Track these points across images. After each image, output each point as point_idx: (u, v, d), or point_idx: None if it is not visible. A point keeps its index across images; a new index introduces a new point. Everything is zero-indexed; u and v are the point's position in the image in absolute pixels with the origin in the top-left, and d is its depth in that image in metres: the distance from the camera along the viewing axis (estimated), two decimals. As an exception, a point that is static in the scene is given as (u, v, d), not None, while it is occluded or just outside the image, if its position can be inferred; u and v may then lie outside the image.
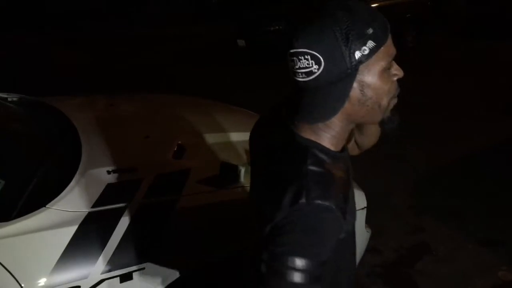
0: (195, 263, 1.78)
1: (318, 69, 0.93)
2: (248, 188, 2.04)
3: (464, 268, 3.04)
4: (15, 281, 1.50)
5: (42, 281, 1.53)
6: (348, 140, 1.20)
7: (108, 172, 1.87)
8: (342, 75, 0.93)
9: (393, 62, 1.01)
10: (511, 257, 3.13)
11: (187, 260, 1.77)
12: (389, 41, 0.98)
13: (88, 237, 1.63)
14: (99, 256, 1.62)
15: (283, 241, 0.93)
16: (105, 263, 1.62)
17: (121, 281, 1.66)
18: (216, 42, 10.51)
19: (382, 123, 1.13)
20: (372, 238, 2.45)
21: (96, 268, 1.61)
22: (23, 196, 1.67)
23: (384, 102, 1.00)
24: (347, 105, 0.98)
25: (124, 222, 1.68)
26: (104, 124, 2.36)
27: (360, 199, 2.27)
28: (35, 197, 1.67)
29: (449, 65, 8.61)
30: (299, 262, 0.91)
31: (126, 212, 1.71)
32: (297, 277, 0.91)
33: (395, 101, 1.04)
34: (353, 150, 1.35)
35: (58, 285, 1.55)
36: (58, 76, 7.09)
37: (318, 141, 1.02)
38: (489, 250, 3.21)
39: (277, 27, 9.47)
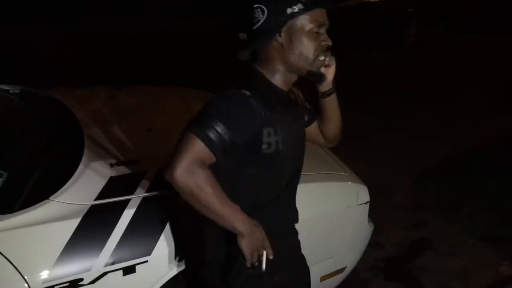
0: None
1: (263, 17, 1.35)
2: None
3: (465, 264, 3.05)
4: (18, 273, 1.49)
5: (45, 274, 1.53)
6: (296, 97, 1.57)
7: (111, 165, 1.86)
8: (277, 24, 1.33)
9: (324, 32, 1.37)
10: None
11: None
12: (319, 12, 1.34)
13: (91, 230, 1.62)
14: (102, 249, 1.61)
15: (203, 109, 1.34)
16: (108, 256, 1.62)
17: (124, 274, 1.65)
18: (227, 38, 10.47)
19: (309, 74, 1.42)
20: (374, 233, 2.45)
21: (99, 260, 1.60)
22: (25, 188, 1.66)
23: (309, 55, 1.36)
24: (281, 49, 1.37)
25: (127, 215, 1.68)
26: (107, 117, 2.35)
27: (363, 194, 2.27)
28: (37, 189, 1.66)
29: (449, 61, 8.59)
30: (207, 120, 1.27)
31: (129, 205, 1.70)
32: (211, 134, 1.25)
33: (322, 61, 1.40)
34: (317, 137, 1.71)
35: (61, 278, 1.54)
36: (60, 71, 7.07)
37: (266, 75, 1.42)
38: (490, 246, 3.22)
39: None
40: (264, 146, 1.35)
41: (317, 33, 1.35)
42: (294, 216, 1.62)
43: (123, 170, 1.87)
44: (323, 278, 2.23)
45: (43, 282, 1.52)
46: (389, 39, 10.02)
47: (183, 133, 1.28)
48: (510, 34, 9.81)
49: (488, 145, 4.91)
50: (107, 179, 1.80)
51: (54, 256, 1.55)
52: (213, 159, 1.28)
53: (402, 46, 9.96)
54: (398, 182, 4.07)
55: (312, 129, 1.69)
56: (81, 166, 1.80)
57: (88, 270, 1.59)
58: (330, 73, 1.50)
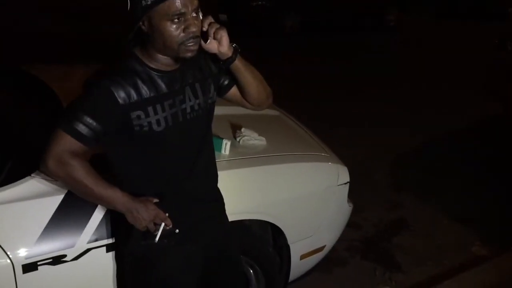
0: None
1: (128, 8, 1.38)
2: (233, 161, 2.06)
3: (440, 243, 3.15)
4: (1, 249, 1.49)
5: (28, 249, 1.53)
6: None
7: (94, 143, 1.85)
8: (137, 15, 1.36)
9: (188, 20, 1.36)
10: (484, 233, 3.25)
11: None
12: (171, 2, 1.33)
13: (74, 207, 1.62)
14: (85, 226, 1.62)
15: (70, 104, 1.45)
16: (92, 233, 1.63)
17: (107, 251, 1.67)
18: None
19: (177, 58, 1.44)
20: (352, 213, 2.50)
21: (82, 237, 1.61)
22: (7, 165, 1.65)
23: (172, 45, 1.38)
24: (148, 38, 1.40)
25: (110, 192, 1.68)
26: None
27: (343, 174, 2.31)
28: (19, 166, 1.65)
29: (428, 45, 8.69)
30: (73, 114, 1.37)
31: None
32: (78, 127, 1.36)
33: (189, 47, 1.39)
34: (242, 101, 1.69)
35: (44, 254, 1.55)
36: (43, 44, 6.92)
37: (141, 58, 1.45)
38: (464, 227, 3.32)
39: (259, 2, 9.37)
40: (136, 128, 1.42)
41: (177, 21, 1.35)
42: (208, 187, 1.68)
43: (105, 148, 1.86)
44: (303, 257, 2.28)
45: (26, 258, 1.52)
46: (370, 23, 10.10)
47: (53, 128, 1.38)
48: (491, 20, 9.96)
49: (468, 131, 5.03)
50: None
51: (37, 232, 1.55)
52: (85, 148, 1.40)
53: (383, 30, 10.04)
54: (378, 165, 4.15)
55: (235, 93, 1.68)
56: (63, 143, 1.78)
57: (71, 246, 1.59)
58: (222, 44, 1.47)
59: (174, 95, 1.48)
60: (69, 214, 1.61)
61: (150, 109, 1.43)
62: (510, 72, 4.68)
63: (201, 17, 1.42)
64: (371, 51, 8.27)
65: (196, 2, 1.38)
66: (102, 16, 9.13)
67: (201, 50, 1.47)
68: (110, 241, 1.66)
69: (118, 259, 1.69)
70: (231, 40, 1.50)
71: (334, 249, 2.57)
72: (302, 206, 2.19)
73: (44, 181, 1.62)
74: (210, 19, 1.46)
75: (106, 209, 1.65)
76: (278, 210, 1.98)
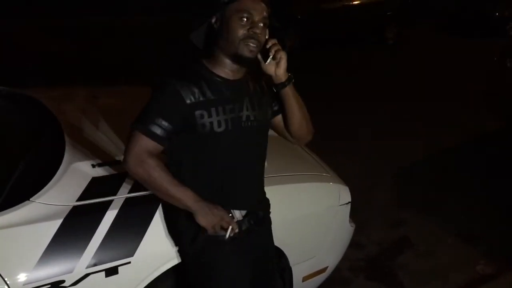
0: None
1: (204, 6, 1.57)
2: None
3: (444, 262, 3.11)
4: (-2, 275, 1.47)
5: (26, 275, 1.51)
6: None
7: (93, 166, 1.84)
8: (212, 11, 1.54)
9: (254, 23, 1.51)
10: (488, 251, 3.21)
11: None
12: (243, 2, 1.50)
13: (73, 231, 1.60)
14: (84, 250, 1.60)
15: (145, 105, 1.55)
16: (90, 257, 1.60)
17: (107, 275, 1.64)
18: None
19: (236, 56, 1.55)
20: (355, 232, 2.48)
21: (81, 262, 1.59)
22: (6, 189, 1.63)
23: (232, 37, 1.51)
24: (216, 35, 1.57)
25: (109, 216, 1.66)
26: (88, 117, 2.33)
27: (344, 194, 2.29)
28: (18, 190, 1.64)
29: (427, 61, 8.73)
30: (147, 116, 1.51)
31: (111, 206, 1.69)
32: (151, 127, 1.49)
33: (248, 45, 1.51)
34: (284, 132, 1.80)
35: (42, 280, 1.53)
36: (39, 66, 6.95)
37: (207, 65, 1.60)
38: (468, 245, 3.29)
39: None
40: (199, 127, 1.53)
41: (246, 21, 1.50)
42: (253, 200, 1.73)
43: (105, 170, 1.85)
44: (305, 278, 2.25)
45: (24, 284, 1.50)
46: (371, 40, 10.19)
47: (130, 129, 1.53)
48: (488, 36, 10.02)
49: (468, 145, 5.01)
50: (89, 179, 1.78)
51: (35, 257, 1.53)
52: (160, 147, 1.53)
53: (384, 46, 10.13)
54: (379, 183, 4.12)
55: (279, 122, 1.80)
56: (62, 167, 1.78)
57: (70, 271, 1.57)
58: (280, 66, 1.60)
59: (234, 101, 1.59)
60: (68, 238, 1.59)
61: (213, 110, 1.54)
62: (510, 89, 4.68)
63: (267, 35, 1.57)
64: (371, 67, 8.31)
65: (265, 14, 1.53)
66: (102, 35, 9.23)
67: (260, 71, 1.62)
68: (109, 265, 1.64)
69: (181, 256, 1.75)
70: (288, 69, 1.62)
71: (337, 269, 2.53)
72: (304, 228, 2.17)
73: (42, 205, 1.61)
74: (274, 40, 1.59)
75: (105, 233, 1.63)
76: (278, 232, 1.95)
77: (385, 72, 7.98)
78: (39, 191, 1.65)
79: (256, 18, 1.51)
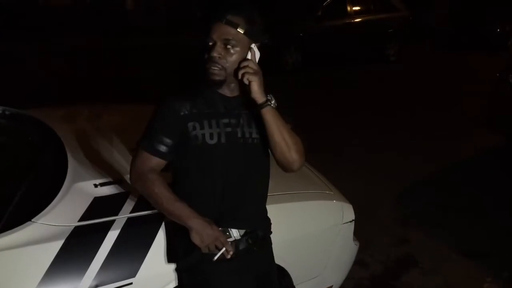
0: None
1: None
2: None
3: (450, 280, 3.07)
4: (-1, 297, 1.46)
5: (27, 298, 1.49)
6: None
7: (95, 185, 1.84)
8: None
9: (214, 47, 1.52)
10: (495, 268, 3.17)
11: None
12: (214, 26, 1.53)
13: (74, 252, 1.60)
14: (86, 271, 1.59)
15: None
16: (92, 279, 1.59)
17: (109, 297, 1.63)
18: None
19: (206, 80, 1.58)
20: (359, 251, 2.46)
21: (83, 283, 1.58)
22: (7, 210, 1.63)
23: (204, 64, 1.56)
24: None
25: (111, 236, 1.66)
26: (90, 136, 2.33)
27: (348, 212, 2.28)
28: (20, 211, 1.64)
29: (430, 78, 8.76)
30: (149, 133, 1.58)
31: (113, 226, 1.69)
32: (154, 144, 1.57)
33: (207, 70, 1.54)
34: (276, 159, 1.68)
35: (44, 301, 1.51)
36: (40, 86, 7.00)
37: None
38: (474, 262, 3.24)
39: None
40: (192, 139, 1.57)
41: (210, 44, 1.54)
42: (252, 218, 1.70)
43: (107, 190, 1.85)
44: (309, 298, 2.23)
45: (25, 306, 1.49)
46: (372, 57, 10.25)
47: (136, 146, 1.60)
48: (489, 52, 10.06)
49: (472, 162, 4.99)
50: (91, 199, 1.78)
51: (37, 279, 1.52)
52: (163, 162, 1.59)
53: (385, 64, 10.18)
54: (382, 199, 4.10)
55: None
56: (64, 187, 1.77)
57: (71, 293, 1.56)
58: (250, 90, 1.54)
59: (230, 117, 1.61)
60: (69, 259, 1.58)
61: (205, 122, 1.58)
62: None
63: (249, 56, 1.54)
64: (372, 83, 8.34)
65: (227, 36, 1.51)
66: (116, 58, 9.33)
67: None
68: (111, 286, 1.62)
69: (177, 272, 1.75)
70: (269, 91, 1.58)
71: (341, 288, 2.51)
72: (307, 246, 2.15)
73: (44, 226, 1.60)
74: (248, 62, 1.53)
75: (107, 253, 1.63)
76: (282, 251, 1.94)
77: (386, 88, 8.01)
78: (41, 211, 1.64)
79: (216, 41, 1.53)
